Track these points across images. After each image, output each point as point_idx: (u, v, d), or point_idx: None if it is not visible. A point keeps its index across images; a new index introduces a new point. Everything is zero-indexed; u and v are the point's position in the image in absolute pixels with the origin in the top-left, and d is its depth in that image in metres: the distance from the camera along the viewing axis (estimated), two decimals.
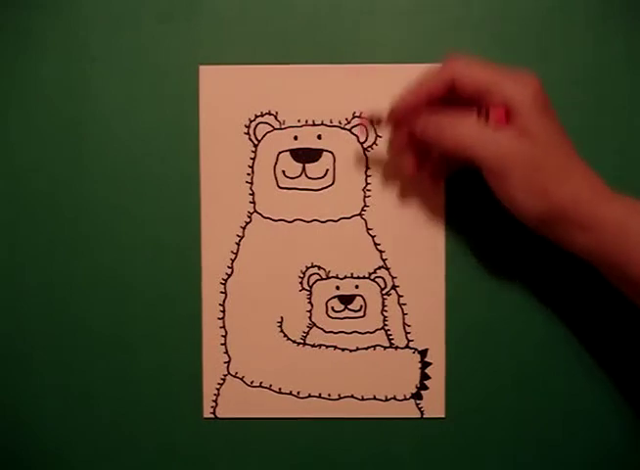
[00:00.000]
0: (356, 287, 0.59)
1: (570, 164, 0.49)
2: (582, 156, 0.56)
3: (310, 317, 0.60)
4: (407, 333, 0.60)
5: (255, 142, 0.59)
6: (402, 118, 0.54)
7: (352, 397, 0.60)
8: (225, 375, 0.60)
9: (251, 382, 0.60)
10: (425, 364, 0.59)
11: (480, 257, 0.59)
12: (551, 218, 0.48)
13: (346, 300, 0.60)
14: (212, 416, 0.60)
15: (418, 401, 0.60)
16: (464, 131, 0.49)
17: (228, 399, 0.60)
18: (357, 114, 0.59)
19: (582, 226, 0.47)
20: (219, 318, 0.60)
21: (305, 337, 0.60)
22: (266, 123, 0.59)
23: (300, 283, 0.60)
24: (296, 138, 0.59)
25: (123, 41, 0.59)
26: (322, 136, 0.59)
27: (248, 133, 0.59)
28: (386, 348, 0.60)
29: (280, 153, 0.59)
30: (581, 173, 0.49)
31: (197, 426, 0.60)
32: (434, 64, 0.58)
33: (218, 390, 0.60)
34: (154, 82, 0.59)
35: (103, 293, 0.60)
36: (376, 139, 0.59)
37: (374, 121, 0.56)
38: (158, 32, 0.59)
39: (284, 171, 0.59)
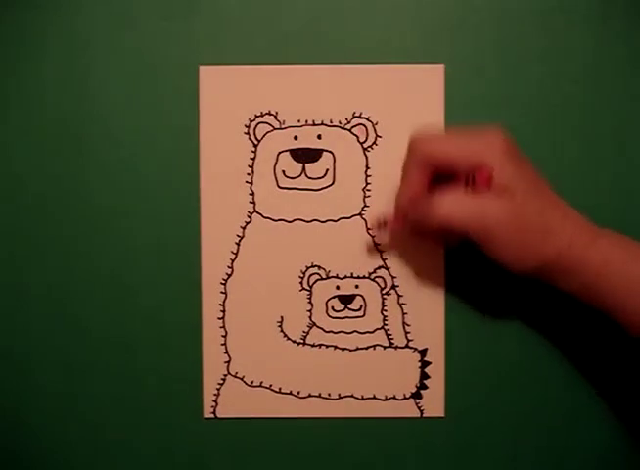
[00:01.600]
0: (356, 287, 0.60)
1: (550, 217, 0.49)
2: (582, 155, 0.57)
3: (310, 317, 0.60)
4: (407, 332, 0.60)
5: (255, 142, 0.59)
6: (405, 216, 0.54)
7: (352, 396, 0.60)
8: (225, 375, 0.60)
9: (252, 382, 0.60)
10: (424, 364, 0.60)
11: (480, 256, 0.59)
12: (540, 271, 0.50)
13: (346, 299, 0.60)
14: (213, 416, 0.60)
15: (418, 401, 0.60)
16: (444, 207, 0.49)
17: (228, 398, 0.60)
18: (357, 114, 0.59)
19: (567, 272, 0.49)
20: (219, 318, 0.60)
21: (305, 337, 0.60)
22: (266, 123, 0.59)
23: (300, 283, 0.60)
24: (296, 138, 0.59)
25: (123, 41, 0.59)
26: (322, 136, 0.59)
27: (248, 133, 0.59)
28: (385, 347, 0.60)
29: (280, 153, 0.59)
30: (562, 223, 0.49)
31: (197, 426, 0.60)
32: (433, 64, 0.59)
33: (218, 390, 0.60)
34: (154, 82, 0.59)
35: (103, 293, 0.60)
36: (376, 139, 0.59)
37: (380, 224, 0.57)
38: (158, 32, 0.59)
39: (284, 171, 0.59)
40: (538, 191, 0.50)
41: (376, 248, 0.59)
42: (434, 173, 0.51)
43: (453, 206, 0.49)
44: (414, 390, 0.60)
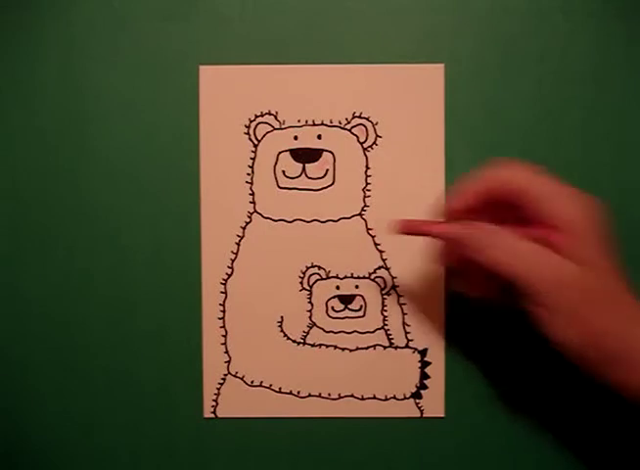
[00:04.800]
0: (356, 287, 0.60)
1: (615, 295, 0.46)
2: (582, 155, 0.57)
3: (310, 317, 0.60)
4: (407, 333, 0.60)
5: (255, 142, 0.59)
6: (450, 217, 0.50)
7: (352, 396, 0.60)
8: (225, 375, 0.60)
9: (252, 382, 0.60)
10: (424, 364, 0.60)
11: None
12: (585, 348, 0.45)
13: (346, 300, 0.60)
14: (213, 416, 0.60)
15: (418, 401, 0.60)
16: (506, 248, 0.45)
17: (228, 398, 0.60)
18: (357, 114, 0.59)
19: (614, 357, 0.45)
20: (219, 318, 0.60)
21: (305, 337, 0.60)
22: (266, 123, 0.59)
23: (300, 283, 0.60)
24: (296, 138, 0.59)
25: (123, 41, 0.59)
26: (322, 136, 0.59)
27: (248, 133, 0.59)
28: (385, 347, 0.60)
29: (280, 153, 0.59)
30: (622, 302, 0.46)
31: (197, 426, 0.60)
32: (434, 64, 0.59)
33: (219, 389, 0.60)
34: (154, 82, 0.59)
35: (102, 293, 0.60)
36: (376, 139, 0.59)
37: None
38: (158, 32, 0.59)
39: (284, 171, 0.59)
40: (611, 274, 0.46)
41: (376, 248, 0.59)
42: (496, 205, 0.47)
43: (511, 248, 0.45)
44: (414, 390, 0.60)
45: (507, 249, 0.45)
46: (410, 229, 0.51)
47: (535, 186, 0.46)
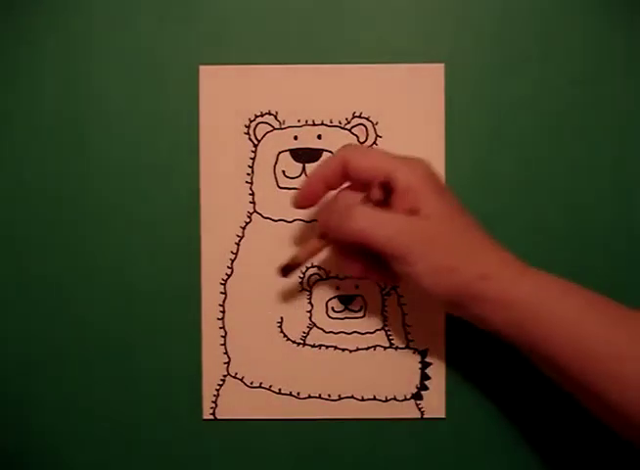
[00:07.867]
0: (356, 287, 0.59)
1: (473, 240, 0.48)
2: (582, 155, 0.57)
3: (310, 317, 0.59)
4: (407, 333, 0.60)
5: (255, 142, 0.59)
6: (305, 206, 0.54)
7: (352, 397, 0.60)
8: (225, 376, 0.60)
9: (251, 382, 0.60)
10: (425, 365, 0.59)
11: None
12: (460, 297, 0.47)
13: (346, 300, 0.59)
14: (212, 417, 0.60)
15: (418, 402, 0.59)
16: (355, 217, 0.48)
17: (228, 399, 0.60)
18: (357, 114, 0.59)
19: (493, 304, 0.46)
20: (219, 319, 0.60)
21: (305, 337, 0.60)
22: (266, 123, 0.59)
23: (300, 283, 0.59)
24: (296, 138, 0.59)
25: (123, 41, 0.59)
26: (322, 136, 0.59)
27: (248, 133, 0.59)
28: (386, 348, 0.60)
29: (280, 153, 0.59)
30: (487, 248, 0.47)
31: (196, 427, 0.60)
32: (433, 64, 0.59)
33: (218, 391, 0.60)
34: (154, 82, 0.59)
35: (102, 293, 0.60)
36: (376, 139, 0.59)
37: (293, 267, 0.55)
38: (158, 32, 0.59)
39: (284, 171, 0.59)
40: (460, 222, 0.48)
41: None
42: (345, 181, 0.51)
43: (359, 215, 0.48)
44: (414, 391, 0.60)
45: (360, 219, 0.48)
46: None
47: (370, 160, 0.50)
